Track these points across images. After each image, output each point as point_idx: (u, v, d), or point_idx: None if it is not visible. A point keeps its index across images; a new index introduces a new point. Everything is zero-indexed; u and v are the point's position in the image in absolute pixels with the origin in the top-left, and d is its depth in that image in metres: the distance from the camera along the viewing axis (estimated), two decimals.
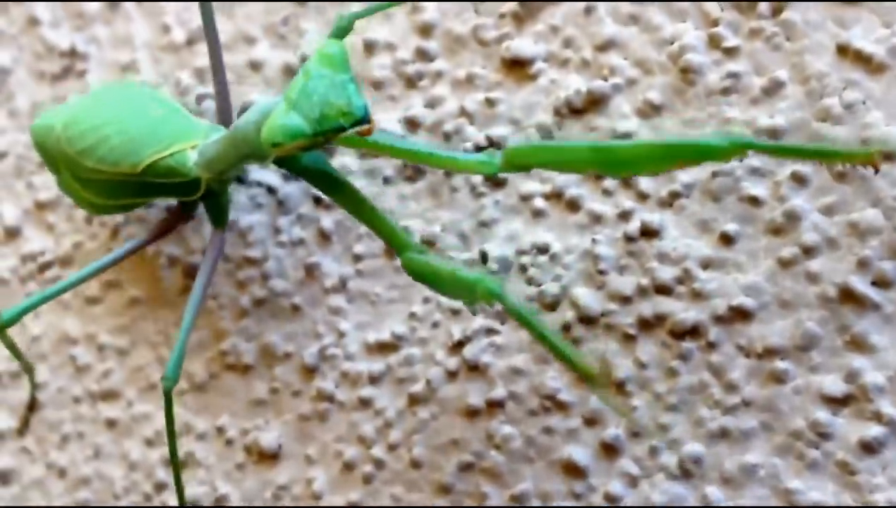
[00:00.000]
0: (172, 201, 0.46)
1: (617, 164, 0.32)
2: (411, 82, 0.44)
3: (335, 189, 0.37)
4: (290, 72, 0.46)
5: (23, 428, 0.50)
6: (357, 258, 0.44)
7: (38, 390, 0.50)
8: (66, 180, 0.43)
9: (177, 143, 0.40)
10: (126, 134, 0.40)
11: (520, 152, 0.34)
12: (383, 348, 0.44)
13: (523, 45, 0.42)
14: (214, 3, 0.46)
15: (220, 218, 0.42)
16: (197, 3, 0.47)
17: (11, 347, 0.45)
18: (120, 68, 0.48)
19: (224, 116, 0.42)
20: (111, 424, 0.48)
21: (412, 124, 0.43)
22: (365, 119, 0.32)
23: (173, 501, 0.47)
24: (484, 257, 0.42)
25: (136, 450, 0.48)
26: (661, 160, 0.31)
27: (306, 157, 0.37)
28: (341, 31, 0.37)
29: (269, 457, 0.45)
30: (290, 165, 0.37)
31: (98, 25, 0.49)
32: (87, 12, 0.49)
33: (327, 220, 0.44)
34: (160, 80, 0.48)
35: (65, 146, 0.42)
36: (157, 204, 0.47)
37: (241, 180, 0.46)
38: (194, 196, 0.40)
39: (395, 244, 0.36)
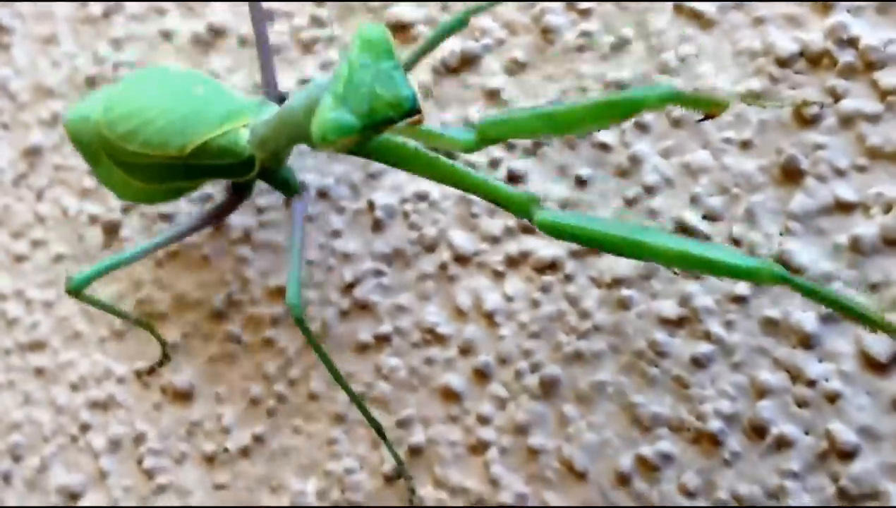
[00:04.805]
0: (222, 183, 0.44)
1: (567, 126, 0.34)
2: (307, 47, 0.48)
3: (413, 163, 0.36)
4: (198, 41, 0.50)
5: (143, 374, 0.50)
6: (260, 210, 0.48)
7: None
8: (107, 169, 0.42)
9: (227, 123, 0.38)
10: (171, 115, 0.38)
11: (491, 126, 0.35)
12: (283, 292, 0.47)
13: (405, 10, 0.46)
14: None
15: (288, 188, 0.41)
16: None
17: (101, 306, 0.44)
18: (43, 40, 0.53)
19: (270, 86, 0.41)
20: (39, 372, 0.52)
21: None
22: (415, 109, 0.31)
23: (98, 441, 0.51)
24: None
25: (63, 395, 0.52)
26: (601, 116, 0.33)
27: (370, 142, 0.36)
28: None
29: (183, 397, 0.49)
30: (354, 151, 0.36)
31: (21, 1, 0.53)
32: None
33: None
34: (80, 50, 0.52)
35: (105, 131, 0.40)
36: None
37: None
38: (249, 176, 0.39)
39: (512, 205, 0.35)
